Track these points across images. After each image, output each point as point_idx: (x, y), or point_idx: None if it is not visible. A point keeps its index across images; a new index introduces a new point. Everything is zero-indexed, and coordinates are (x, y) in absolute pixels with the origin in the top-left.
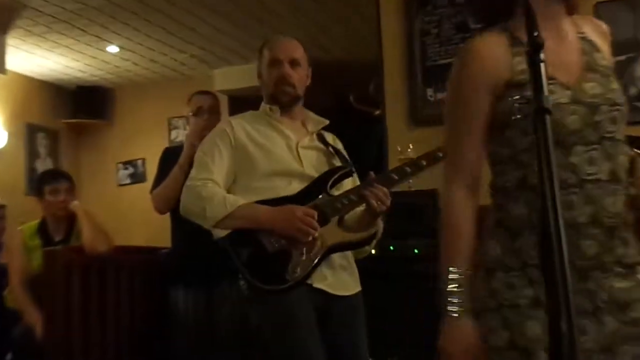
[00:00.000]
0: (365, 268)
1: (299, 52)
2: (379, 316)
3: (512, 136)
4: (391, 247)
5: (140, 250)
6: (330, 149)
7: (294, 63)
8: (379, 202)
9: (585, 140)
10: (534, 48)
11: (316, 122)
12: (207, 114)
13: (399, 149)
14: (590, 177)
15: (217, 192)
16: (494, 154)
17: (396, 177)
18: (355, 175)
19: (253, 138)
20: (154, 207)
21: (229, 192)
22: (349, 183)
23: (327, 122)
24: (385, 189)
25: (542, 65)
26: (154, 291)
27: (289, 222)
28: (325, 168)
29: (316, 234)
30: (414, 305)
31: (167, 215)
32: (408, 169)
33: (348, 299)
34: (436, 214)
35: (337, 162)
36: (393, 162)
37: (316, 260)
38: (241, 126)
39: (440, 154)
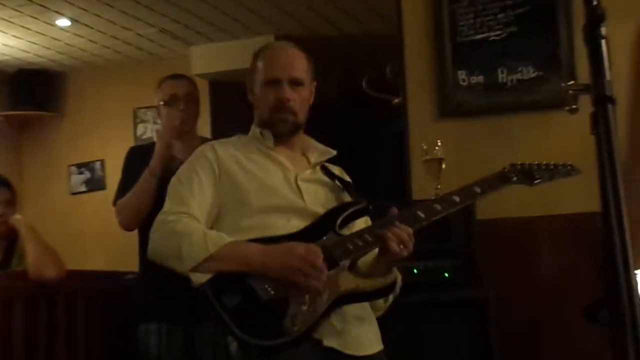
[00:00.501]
0: None
1: (301, 68)
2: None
3: None
4: (415, 270)
5: (99, 276)
6: (337, 182)
7: (295, 83)
8: (401, 247)
9: None
10: (593, 21)
11: (320, 152)
12: (183, 103)
13: (425, 148)
14: None
15: (196, 227)
16: None
17: (423, 216)
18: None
19: (243, 166)
20: (119, 222)
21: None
22: (361, 223)
23: (334, 152)
24: (409, 230)
25: (602, 42)
26: (117, 328)
27: (287, 262)
28: (333, 205)
29: (323, 278)
30: (445, 343)
31: (134, 233)
32: (438, 207)
33: None
34: (470, 228)
35: (347, 199)
36: (416, 165)
37: (322, 312)
38: (227, 151)
39: (479, 191)
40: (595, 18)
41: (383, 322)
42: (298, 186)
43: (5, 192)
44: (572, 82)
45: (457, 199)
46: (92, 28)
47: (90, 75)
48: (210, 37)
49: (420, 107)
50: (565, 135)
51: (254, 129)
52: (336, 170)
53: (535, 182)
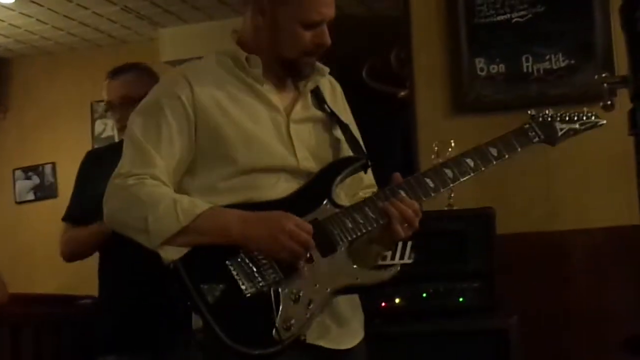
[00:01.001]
0: (387, 325)
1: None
2: None
3: None
4: (424, 295)
5: (49, 301)
6: (333, 117)
7: (329, 23)
8: (404, 225)
9: None
10: (630, 3)
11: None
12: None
13: (436, 148)
14: None
15: (163, 193)
16: None
17: (432, 185)
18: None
19: (224, 109)
20: (60, 252)
21: (180, 191)
22: (354, 180)
23: (327, 70)
24: (415, 205)
25: None
26: None
27: (276, 236)
28: (327, 153)
29: (307, 256)
30: None
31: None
32: (448, 172)
33: (348, 354)
34: (489, 244)
35: (344, 144)
36: (426, 167)
37: (315, 310)
38: (205, 87)
39: (495, 153)
40: (632, 1)
41: (385, 355)
42: (290, 135)
43: None
44: (607, 74)
45: (470, 162)
46: (41, 6)
47: (39, 62)
48: (182, 18)
49: (430, 101)
50: (600, 135)
51: (238, 51)
52: (327, 90)
53: (558, 140)
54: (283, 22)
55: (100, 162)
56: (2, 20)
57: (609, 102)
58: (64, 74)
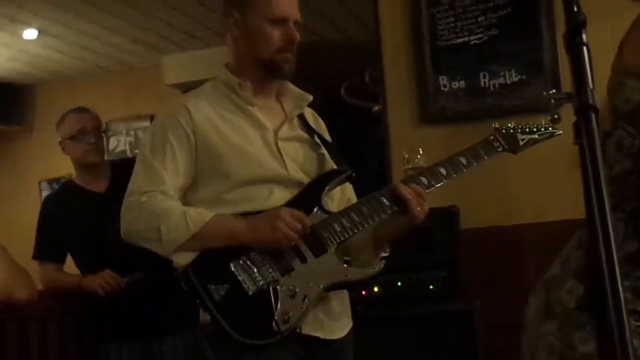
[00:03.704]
0: (367, 311)
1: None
2: None
3: None
4: (399, 283)
5: (75, 296)
6: (317, 138)
7: (296, 24)
8: (418, 209)
9: None
10: (574, 27)
11: (296, 97)
12: (92, 136)
13: (406, 156)
14: None
15: (173, 206)
16: None
17: (425, 182)
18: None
19: (220, 131)
20: (41, 286)
21: (186, 204)
22: (338, 191)
23: (310, 98)
24: (420, 189)
25: (584, 49)
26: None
27: (275, 224)
28: (314, 168)
29: (296, 238)
30: (430, 357)
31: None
32: (424, 180)
33: (337, 343)
34: (454, 237)
35: (328, 159)
36: (398, 174)
37: (309, 305)
38: (202, 113)
39: (464, 162)
40: (576, 24)
41: (367, 337)
42: (279, 149)
43: None
44: (554, 90)
45: (443, 171)
46: (60, 39)
47: (59, 87)
48: (183, 46)
49: (400, 114)
50: (551, 140)
51: (230, 78)
52: (310, 118)
53: (519, 149)
54: (253, 25)
55: (59, 207)
56: (26, 52)
57: (555, 116)
58: (82, 97)
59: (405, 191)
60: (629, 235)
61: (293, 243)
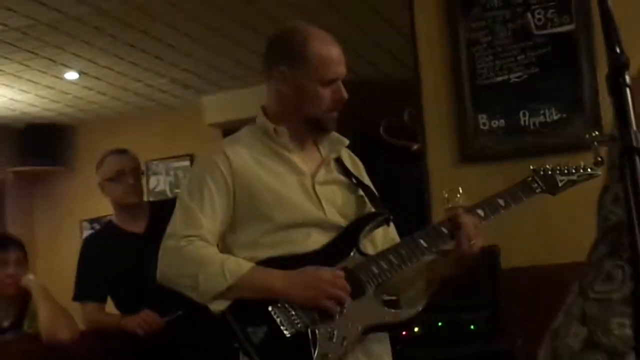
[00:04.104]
0: (407, 351)
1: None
2: None
3: None
4: (439, 323)
5: (116, 335)
6: (354, 180)
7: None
8: (470, 243)
9: None
10: (616, 69)
11: (333, 141)
12: (131, 178)
13: (446, 195)
14: None
15: (212, 255)
16: None
17: (446, 232)
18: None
19: (258, 176)
20: (84, 326)
21: (224, 247)
22: (379, 233)
23: (347, 142)
24: (475, 220)
25: (627, 90)
26: None
27: (316, 288)
28: (352, 211)
29: (345, 306)
30: None
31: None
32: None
33: None
34: (495, 277)
35: (366, 202)
36: (438, 213)
37: (348, 346)
38: (240, 159)
39: (502, 204)
40: (619, 66)
41: None
42: (316, 193)
43: (17, 252)
44: (596, 132)
45: (481, 212)
46: (100, 80)
47: (100, 128)
48: (221, 86)
49: (440, 153)
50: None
51: (266, 123)
52: (348, 160)
53: (558, 191)
54: (303, 84)
55: (98, 247)
56: (68, 93)
57: (599, 159)
58: (122, 137)
59: (462, 222)
60: (626, 279)
61: (338, 310)
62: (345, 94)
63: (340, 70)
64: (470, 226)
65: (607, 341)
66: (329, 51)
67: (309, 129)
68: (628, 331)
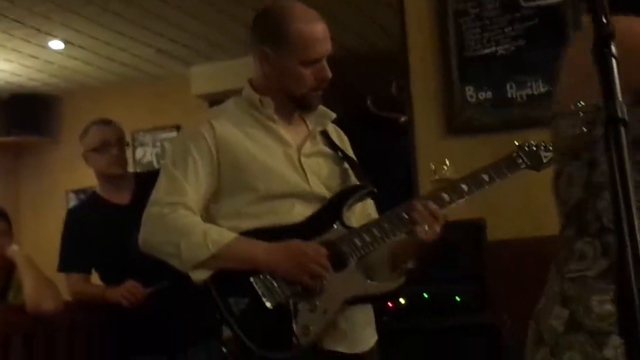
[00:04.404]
0: (393, 322)
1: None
2: None
3: None
4: (425, 295)
5: (100, 306)
6: (339, 153)
7: (327, 57)
8: (426, 231)
9: None
10: (602, 39)
11: (320, 115)
12: (116, 149)
13: (433, 167)
14: None
15: (195, 224)
16: None
17: (446, 198)
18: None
19: (243, 146)
20: (69, 296)
21: (208, 216)
22: (359, 206)
23: (333, 115)
24: (434, 207)
25: (613, 61)
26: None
27: (298, 262)
28: (337, 183)
29: (326, 279)
30: None
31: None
32: (446, 197)
33: (361, 358)
34: (481, 250)
35: (351, 175)
36: (425, 185)
37: (330, 318)
38: (225, 128)
39: (487, 179)
40: (604, 36)
41: (392, 348)
42: (302, 165)
43: (1, 223)
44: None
45: (465, 187)
46: (86, 50)
47: (85, 98)
48: (209, 57)
49: (427, 125)
50: None
51: (252, 94)
52: (334, 133)
53: (542, 167)
54: (286, 65)
55: (82, 219)
56: (53, 63)
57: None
58: (108, 108)
59: (416, 212)
60: (597, 255)
61: (319, 284)
62: (329, 73)
63: (324, 48)
64: (421, 222)
65: (589, 321)
66: (312, 30)
67: (293, 106)
68: (608, 307)
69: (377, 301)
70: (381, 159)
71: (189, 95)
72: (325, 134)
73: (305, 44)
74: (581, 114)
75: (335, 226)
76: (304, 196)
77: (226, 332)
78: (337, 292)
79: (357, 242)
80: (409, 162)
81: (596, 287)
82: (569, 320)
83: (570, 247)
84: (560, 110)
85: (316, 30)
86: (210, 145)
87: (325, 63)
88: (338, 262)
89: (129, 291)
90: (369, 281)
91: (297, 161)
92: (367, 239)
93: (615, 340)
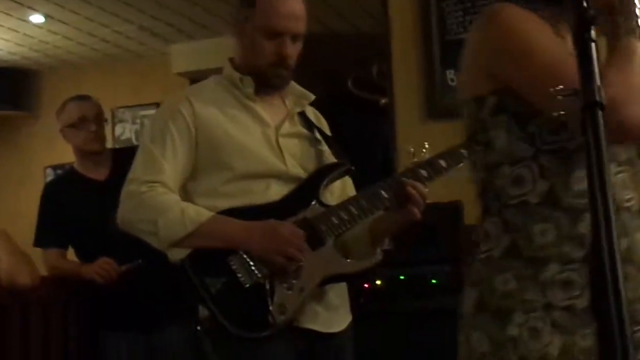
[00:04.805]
0: (369, 304)
1: (302, 19)
2: None
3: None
4: (401, 277)
5: (77, 282)
6: (317, 133)
7: (295, 38)
8: (416, 208)
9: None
10: (582, 24)
11: (298, 96)
12: (94, 125)
13: (412, 150)
14: (626, 205)
15: (172, 202)
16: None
17: (425, 175)
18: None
19: (221, 124)
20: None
21: (185, 194)
22: (338, 185)
23: (312, 97)
24: (422, 189)
25: (592, 45)
26: (92, 336)
27: (274, 243)
28: (313, 164)
29: (302, 260)
30: (431, 350)
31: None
32: (423, 172)
33: (336, 338)
34: (457, 233)
35: (328, 155)
36: (404, 166)
37: (306, 297)
38: (204, 106)
39: (444, 165)
40: (584, 20)
41: (368, 330)
42: (279, 145)
43: None
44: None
45: (443, 163)
46: (67, 25)
47: (65, 74)
48: (190, 35)
49: (407, 108)
50: None
51: (232, 73)
52: (312, 115)
53: None
54: (249, 33)
55: (60, 192)
56: (33, 37)
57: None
58: (88, 84)
59: (410, 189)
60: (500, 233)
61: (295, 265)
62: (287, 52)
63: (290, 25)
64: (419, 197)
65: (493, 300)
66: (283, 3)
67: (256, 81)
68: (512, 285)
69: (353, 279)
70: (361, 140)
71: (170, 73)
72: (303, 116)
73: (269, 13)
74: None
75: (312, 204)
76: (281, 176)
77: (202, 312)
78: (314, 270)
79: (334, 220)
80: (388, 145)
81: (499, 266)
82: (477, 301)
83: (479, 228)
84: (462, 96)
85: (288, 4)
86: (188, 123)
87: (287, 40)
88: (315, 240)
89: (102, 268)
90: (346, 259)
91: (274, 141)
92: (345, 217)
93: (520, 317)
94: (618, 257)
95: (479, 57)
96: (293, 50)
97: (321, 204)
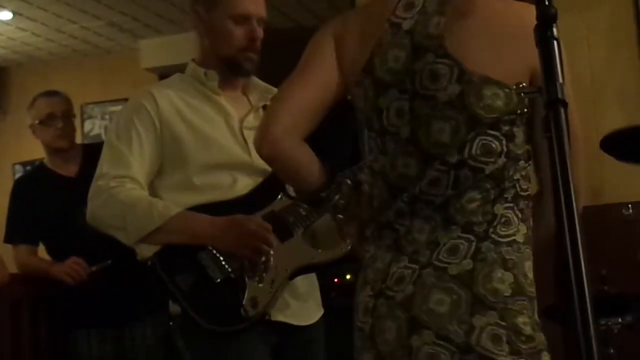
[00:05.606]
0: (339, 298)
1: (265, 8)
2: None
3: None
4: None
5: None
6: None
7: (261, 21)
8: None
9: None
10: (544, 21)
11: (261, 90)
12: (61, 121)
13: None
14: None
15: (140, 197)
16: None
17: None
18: None
19: (184, 117)
20: (16, 266)
21: (152, 189)
22: None
23: (274, 90)
24: None
25: (554, 43)
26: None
27: (241, 238)
28: None
29: (270, 253)
30: None
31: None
32: None
33: (307, 331)
34: None
35: None
36: None
37: (277, 289)
38: (167, 100)
39: None
40: (547, 18)
41: (340, 324)
42: (243, 136)
43: None
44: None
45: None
46: (35, 21)
47: (34, 70)
48: (159, 30)
49: None
50: None
51: (195, 68)
52: None
53: None
54: (217, 23)
55: (29, 189)
56: (1, 34)
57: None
58: (56, 80)
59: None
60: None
61: (263, 258)
62: (258, 34)
63: (254, 9)
64: None
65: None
66: None
67: (228, 71)
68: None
69: (324, 269)
70: (328, 134)
71: (139, 69)
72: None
73: (236, 0)
74: None
75: (279, 197)
76: (246, 168)
77: (174, 308)
78: (284, 262)
79: (302, 211)
80: (357, 138)
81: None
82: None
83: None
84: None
85: None
86: (153, 118)
87: (255, 24)
88: (283, 232)
89: (72, 268)
90: (316, 250)
91: (238, 132)
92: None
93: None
94: (582, 253)
95: None
96: (260, 33)
97: (288, 196)
